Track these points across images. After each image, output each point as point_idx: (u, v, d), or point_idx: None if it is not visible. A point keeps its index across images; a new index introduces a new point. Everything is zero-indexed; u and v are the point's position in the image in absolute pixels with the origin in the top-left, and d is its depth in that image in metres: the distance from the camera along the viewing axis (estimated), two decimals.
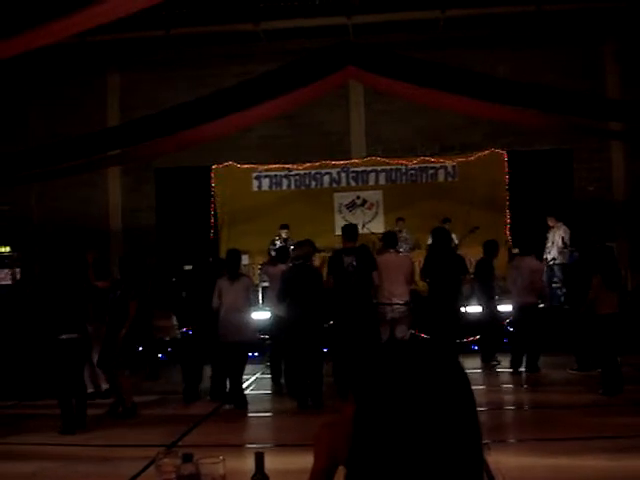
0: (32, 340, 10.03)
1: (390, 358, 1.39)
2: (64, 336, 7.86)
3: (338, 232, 14.67)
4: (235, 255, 9.29)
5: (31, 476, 6.14)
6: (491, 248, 11.18)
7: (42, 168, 11.99)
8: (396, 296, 9.38)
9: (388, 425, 1.30)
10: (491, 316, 11.10)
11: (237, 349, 8.81)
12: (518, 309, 10.60)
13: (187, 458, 2.16)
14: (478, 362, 10.84)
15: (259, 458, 2.20)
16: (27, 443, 7.37)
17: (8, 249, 14.60)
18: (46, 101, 16.36)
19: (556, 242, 13.07)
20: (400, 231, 13.27)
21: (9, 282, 12.52)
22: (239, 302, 8.85)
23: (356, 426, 1.36)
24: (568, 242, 12.87)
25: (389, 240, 9.94)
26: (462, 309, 10.61)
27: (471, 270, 11.17)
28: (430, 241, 10.97)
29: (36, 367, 10.10)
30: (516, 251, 12.61)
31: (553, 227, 13.24)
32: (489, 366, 10.82)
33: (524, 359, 10.37)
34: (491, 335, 11.11)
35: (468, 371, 1.41)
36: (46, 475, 6.18)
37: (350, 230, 9.50)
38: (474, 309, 11.58)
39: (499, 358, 10.94)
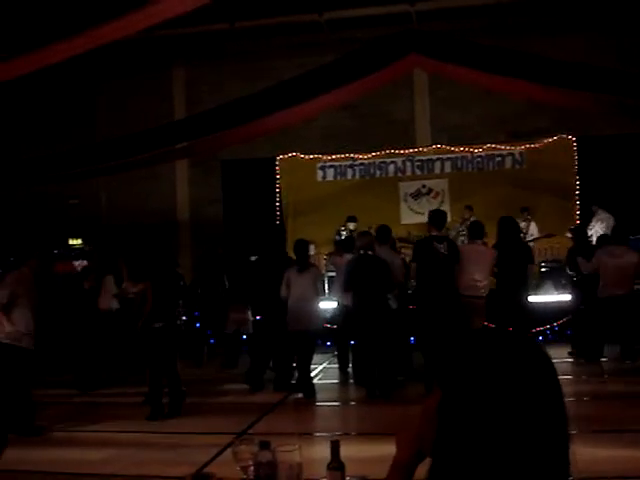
0: (112, 330, 10.30)
1: (476, 347, 1.36)
2: (156, 325, 8.07)
3: (404, 221, 14.70)
4: (303, 245, 9.33)
5: (103, 462, 6.29)
6: (582, 236, 10.97)
7: (111, 162, 12.25)
8: (479, 288, 9.18)
9: (474, 415, 1.28)
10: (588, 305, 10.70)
11: (305, 338, 8.86)
12: (606, 299, 10.16)
13: (264, 445, 2.18)
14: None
15: (335, 446, 2.20)
16: (101, 430, 7.57)
17: (80, 242, 14.97)
18: (113, 96, 16.65)
19: (595, 230, 12.71)
20: (467, 219, 13.10)
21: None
22: (307, 292, 8.89)
23: (441, 416, 1.33)
24: (609, 230, 12.41)
25: (476, 231, 9.70)
26: (530, 299, 10.38)
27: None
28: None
29: (111, 356, 10.38)
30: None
31: (595, 215, 12.91)
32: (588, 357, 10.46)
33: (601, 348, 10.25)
34: (589, 325, 10.62)
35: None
36: (118, 461, 6.33)
37: (439, 217, 9.13)
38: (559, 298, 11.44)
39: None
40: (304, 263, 9.15)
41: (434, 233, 8.89)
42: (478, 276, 9.07)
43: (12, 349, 7.51)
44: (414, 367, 9.44)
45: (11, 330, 7.55)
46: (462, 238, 12.63)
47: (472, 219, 13.05)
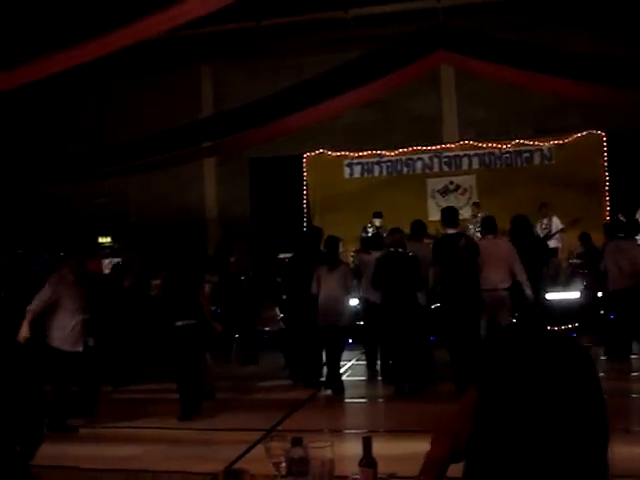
0: (143, 327, 10.37)
1: (514, 345, 1.34)
2: (180, 323, 8.06)
3: (431, 218, 14.57)
4: (334, 242, 9.33)
5: (133, 458, 6.34)
6: (614, 231, 10.92)
7: (139, 161, 12.34)
8: (496, 282, 9.11)
9: (512, 413, 1.26)
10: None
11: (334, 333, 8.87)
12: (616, 293, 10.23)
13: (297, 442, 2.18)
14: None
15: (367, 443, 2.20)
16: (131, 427, 7.63)
17: (109, 240, 15.10)
18: (140, 95, 16.74)
19: None
20: (476, 216, 13.05)
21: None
22: (337, 289, 8.90)
23: (478, 414, 1.32)
24: None
25: (488, 225, 9.64)
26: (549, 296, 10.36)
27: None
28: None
29: (143, 353, 10.44)
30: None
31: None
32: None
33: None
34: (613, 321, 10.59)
35: None
36: (150, 458, 6.37)
37: (451, 214, 8.98)
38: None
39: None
40: (334, 260, 9.15)
41: (450, 231, 8.82)
42: (494, 270, 8.98)
43: (55, 352, 7.59)
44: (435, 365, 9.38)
45: (55, 333, 7.62)
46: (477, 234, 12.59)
47: (480, 215, 12.90)
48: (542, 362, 1.28)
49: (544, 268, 9.95)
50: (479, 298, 8.59)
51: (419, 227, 9.74)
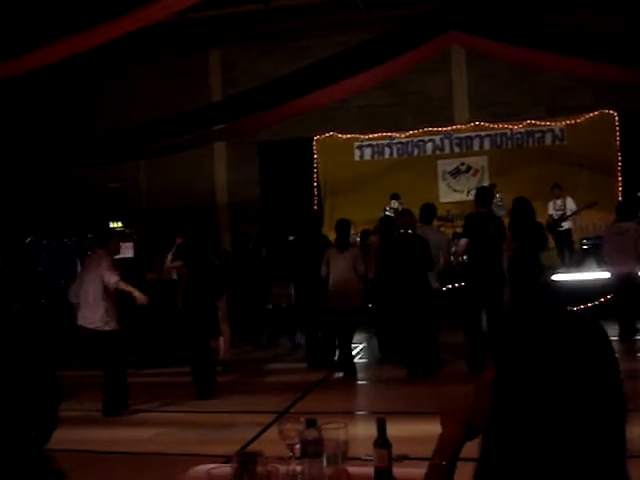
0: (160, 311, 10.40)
1: (532, 324, 1.33)
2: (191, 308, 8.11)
3: (443, 200, 14.60)
4: (345, 225, 9.32)
5: (148, 441, 6.38)
6: (625, 212, 10.88)
7: (149, 145, 12.34)
8: None
9: (530, 392, 1.25)
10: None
11: (345, 316, 8.89)
12: (618, 277, 10.23)
13: (310, 423, 2.18)
14: None
15: (381, 424, 2.19)
16: (146, 410, 7.68)
17: (120, 224, 15.14)
18: (149, 79, 16.71)
19: None
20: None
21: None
22: (347, 271, 8.89)
23: (496, 393, 1.31)
24: None
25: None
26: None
27: None
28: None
29: (157, 336, 10.47)
30: None
31: None
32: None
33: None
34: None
35: None
36: (162, 441, 6.41)
37: (487, 194, 9.00)
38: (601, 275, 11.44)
39: None
40: (345, 243, 9.14)
41: (482, 211, 8.76)
42: None
43: (115, 334, 7.53)
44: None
45: (113, 315, 7.54)
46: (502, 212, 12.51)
47: (497, 196, 12.78)
48: (561, 341, 1.27)
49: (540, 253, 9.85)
50: (503, 279, 8.55)
51: (429, 210, 9.70)
